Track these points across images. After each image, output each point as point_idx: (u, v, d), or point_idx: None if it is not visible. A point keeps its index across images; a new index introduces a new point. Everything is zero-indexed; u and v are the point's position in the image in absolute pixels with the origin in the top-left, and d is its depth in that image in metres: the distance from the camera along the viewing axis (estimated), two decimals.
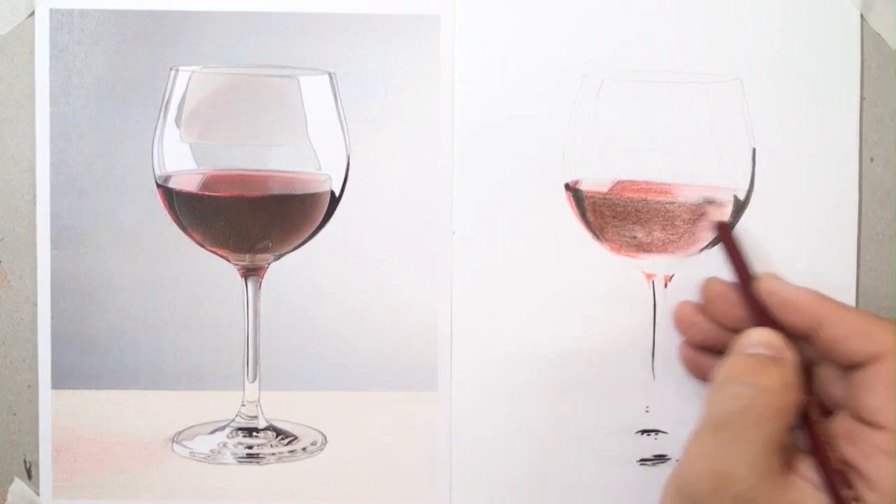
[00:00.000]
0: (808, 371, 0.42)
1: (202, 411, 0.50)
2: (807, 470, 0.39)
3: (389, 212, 0.50)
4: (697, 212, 0.47)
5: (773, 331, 0.41)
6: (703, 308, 0.46)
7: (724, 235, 0.46)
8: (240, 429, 0.50)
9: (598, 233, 0.48)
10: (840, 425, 0.40)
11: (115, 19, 0.49)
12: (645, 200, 0.47)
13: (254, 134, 0.48)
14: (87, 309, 0.50)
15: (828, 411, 0.42)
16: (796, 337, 0.41)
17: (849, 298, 0.49)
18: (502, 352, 0.49)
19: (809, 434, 0.40)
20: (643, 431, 0.49)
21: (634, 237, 0.48)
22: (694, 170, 0.47)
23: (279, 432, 0.50)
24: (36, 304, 0.50)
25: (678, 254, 0.48)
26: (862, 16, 0.49)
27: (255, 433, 0.50)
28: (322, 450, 0.50)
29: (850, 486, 0.37)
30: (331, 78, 0.49)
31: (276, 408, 0.50)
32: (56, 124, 0.49)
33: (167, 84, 0.49)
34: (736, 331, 0.42)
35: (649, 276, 0.49)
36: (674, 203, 0.47)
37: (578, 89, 0.49)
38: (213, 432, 0.50)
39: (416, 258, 0.50)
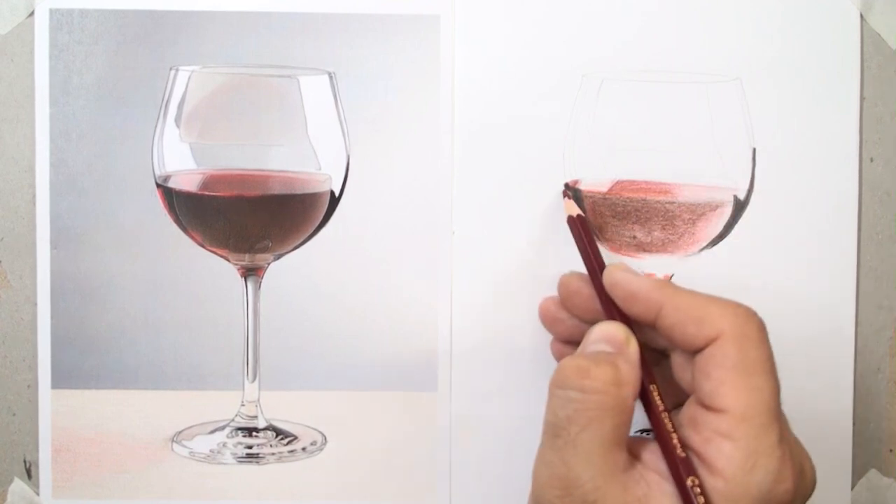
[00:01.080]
0: (661, 360, 0.42)
1: (202, 411, 0.50)
2: (655, 460, 0.38)
3: (389, 212, 0.50)
4: (698, 212, 0.47)
5: (617, 324, 0.41)
6: (563, 304, 0.46)
7: (580, 229, 0.45)
8: (239, 429, 0.50)
9: (597, 233, 0.48)
10: (685, 412, 0.39)
11: (115, 19, 0.49)
12: (645, 200, 0.47)
13: (254, 134, 0.48)
14: (87, 309, 0.50)
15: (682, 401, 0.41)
16: (647, 327, 0.41)
17: (849, 298, 0.49)
18: (502, 352, 0.49)
19: (654, 423, 0.39)
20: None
21: (634, 237, 0.48)
22: (694, 170, 0.47)
23: (279, 432, 0.50)
24: (36, 304, 0.50)
25: (678, 254, 0.48)
26: (862, 16, 0.49)
27: (254, 433, 0.50)
28: (322, 450, 0.50)
29: (695, 473, 0.37)
30: (331, 78, 0.49)
31: (276, 408, 0.50)
32: (56, 124, 0.49)
33: (167, 84, 0.49)
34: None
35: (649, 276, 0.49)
36: (674, 203, 0.47)
37: (578, 89, 0.49)
38: (212, 432, 0.50)
39: (416, 258, 0.50)
